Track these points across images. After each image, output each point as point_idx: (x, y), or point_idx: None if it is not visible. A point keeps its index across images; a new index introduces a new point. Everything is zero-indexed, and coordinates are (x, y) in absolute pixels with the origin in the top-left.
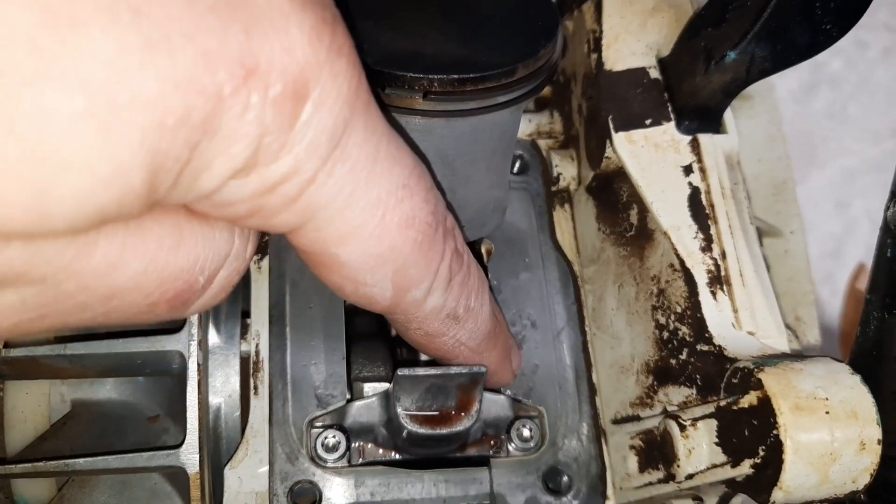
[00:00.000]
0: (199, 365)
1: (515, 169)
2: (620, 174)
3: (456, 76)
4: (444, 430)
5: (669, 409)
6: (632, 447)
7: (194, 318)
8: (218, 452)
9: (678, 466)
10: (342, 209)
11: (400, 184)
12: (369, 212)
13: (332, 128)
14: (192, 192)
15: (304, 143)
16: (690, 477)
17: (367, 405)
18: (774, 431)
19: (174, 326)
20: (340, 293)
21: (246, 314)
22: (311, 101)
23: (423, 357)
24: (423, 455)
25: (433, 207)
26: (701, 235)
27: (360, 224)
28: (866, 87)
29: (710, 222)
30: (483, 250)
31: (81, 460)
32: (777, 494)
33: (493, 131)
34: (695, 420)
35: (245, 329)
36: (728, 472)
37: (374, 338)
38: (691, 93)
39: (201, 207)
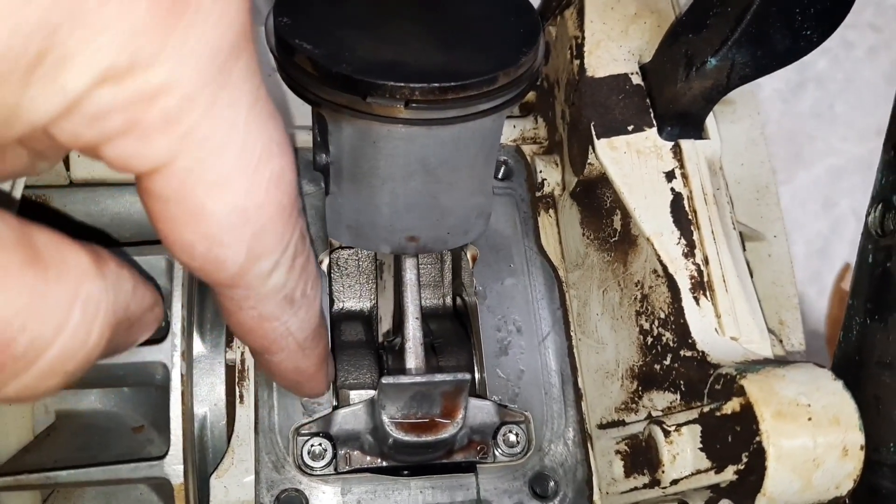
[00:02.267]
0: (182, 375)
1: (500, 175)
2: (604, 180)
3: (437, 85)
4: (430, 438)
5: (654, 414)
6: (617, 452)
7: (177, 328)
8: (204, 461)
9: (663, 472)
10: (220, 149)
11: (275, 139)
12: (244, 159)
13: (215, 44)
14: (57, 92)
15: (184, 50)
16: (675, 482)
17: (353, 413)
18: (757, 438)
19: (157, 337)
20: (186, 255)
21: None
22: (193, 8)
23: (409, 365)
24: (409, 462)
25: (295, 177)
26: (684, 241)
27: (234, 170)
28: (852, 86)
29: (692, 228)
30: (468, 256)
31: (65, 472)
32: (761, 500)
33: (476, 138)
34: (679, 426)
35: (230, 337)
36: (712, 478)
37: (359, 345)
38: (673, 99)
39: (70, 127)
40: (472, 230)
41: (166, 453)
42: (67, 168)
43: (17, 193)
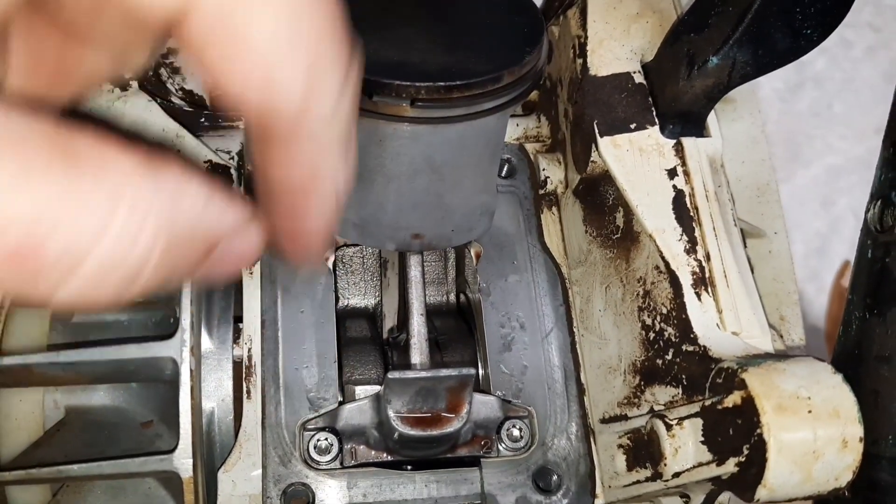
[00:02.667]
0: (191, 371)
1: (503, 173)
2: (606, 177)
3: (443, 83)
4: (435, 432)
5: (656, 408)
6: (620, 446)
7: (187, 324)
8: (211, 456)
9: (665, 465)
10: None
11: None
12: None
13: None
14: None
15: None
16: (677, 475)
17: (358, 408)
18: (758, 430)
19: (167, 333)
20: (242, 96)
21: (238, 319)
22: None
23: (414, 361)
24: (414, 456)
25: None
26: (686, 237)
27: None
28: (851, 85)
29: (694, 224)
30: (472, 253)
31: (75, 466)
32: (761, 492)
33: (481, 137)
34: (681, 419)
35: (237, 334)
36: (714, 471)
37: (365, 342)
38: (675, 97)
39: None
40: (477, 228)
41: (175, 447)
42: None
43: None
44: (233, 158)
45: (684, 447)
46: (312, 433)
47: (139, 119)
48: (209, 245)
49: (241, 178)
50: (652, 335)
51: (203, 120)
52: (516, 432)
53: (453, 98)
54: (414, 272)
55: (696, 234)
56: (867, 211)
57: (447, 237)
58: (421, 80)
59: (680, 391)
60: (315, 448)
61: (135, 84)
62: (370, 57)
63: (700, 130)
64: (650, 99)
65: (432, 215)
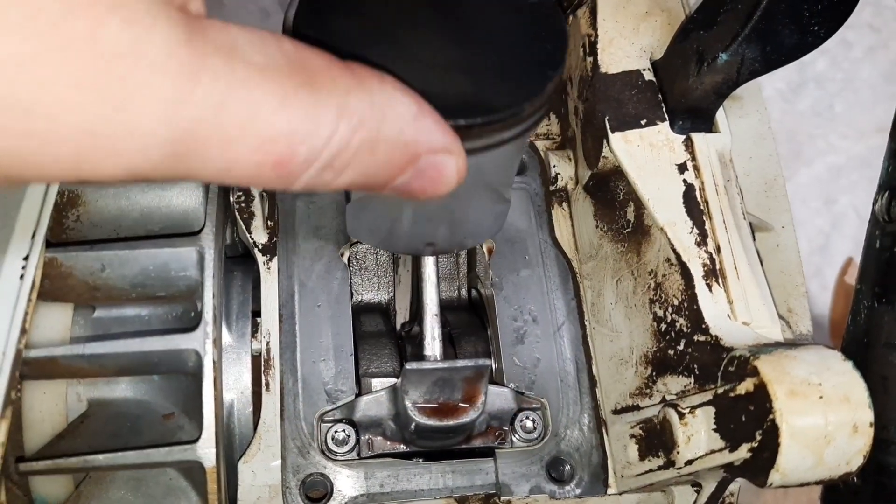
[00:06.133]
0: (214, 362)
1: None
2: (617, 173)
3: (463, 122)
4: (451, 422)
5: (668, 398)
6: (632, 436)
7: (209, 317)
8: (231, 448)
9: (678, 453)
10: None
11: None
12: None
13: None
14: None
15: None
16: (690, 463)
17: (375, 399)
18: (770, 416)
19: (188, 326)
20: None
21: (256, 313)
22: None
23: (428, 352)
24: (430, 447)
25: None
26: (696, 230)
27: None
28: (851, 85)
29: (704, 218)
30: (485, 249)
31: (101, 456)
32: (774, 476)
33: (498, 161)
34: (693, 408)
35: (256, 328)
36: (726, 457)
37: (380, 335)
38: (684, 94)
39: None
40: (490, 231)
41: (199, 437)
42: None
43: (54, 190)
44: None
45: (697, 435)
46: (330, 425)
47: None
48: (410, 155)
49: None
50: (664, 326)
51: None
52: (530, 423)
53: (472, 134)
54: (429, 271)
55: (707, 226)
56: (874, 202)
57: (459, 243)
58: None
59: (692, 380)
60: (333, 439)
61: None
62: None
63: (709, 126)
64: (660, 95)
65: (447, 228)
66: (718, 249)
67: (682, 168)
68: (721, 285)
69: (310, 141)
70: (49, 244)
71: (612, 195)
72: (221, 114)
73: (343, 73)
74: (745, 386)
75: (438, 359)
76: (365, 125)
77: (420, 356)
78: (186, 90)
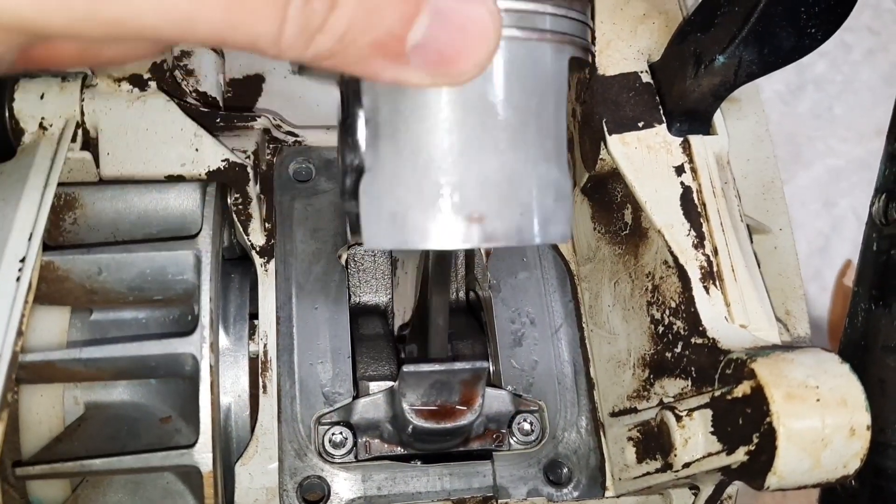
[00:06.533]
0: (211, 367)
1: None
2: (615, 175)
3: None
4: (449, 425)
5: (666, 400)
6: (630, 439)
7: (206, 321)
8: (228, 451)
9: (675, 456)
10: None
11: None
12: None
13: None
14: None
15: None
16: (687, 465)
17: (373, 402)
18: (768, 419)
19: (185, 330)
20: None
21: (253, 316)
22: None
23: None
24: (427, 450)
25: None
26: (693, 233)
27: None
28: (851, 87)
29: (702, 220)
30: (482, 251)
31: (98, 461)
32: (771, 479)
33: (537, 69)
34: (690, 410)
35: (253, 330)
36: (723, 460)
37: (377, 338)
38: (682, 96)
39: None
40: (553, 219)
41: (196, 442)
42: (97, 165)
43: (51, 192)
44: (249, 157)
45: (694, 437)
46: (327, 427)
47: (158, 118)
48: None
49: (257, 177)
50: (661, 329)
51: (218, 120)
52: (527, 426)
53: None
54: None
55: (704, 229)
56: (872, 205)
57: (516, 225)
58: None
59: (689, 383)
60: (330, 442)
61: (153, 84)
62: None
63: (707, 128)
64: (657, 98)
65: (492, 181)
66: (716, 252)
67: (679, 170)
68: (718, 288)
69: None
70: (46, 247)
71: (609, 197)
72: None
73: None
74: (743, 389)
75: (439, 356)
76: None
77: (418, 358)
78: None
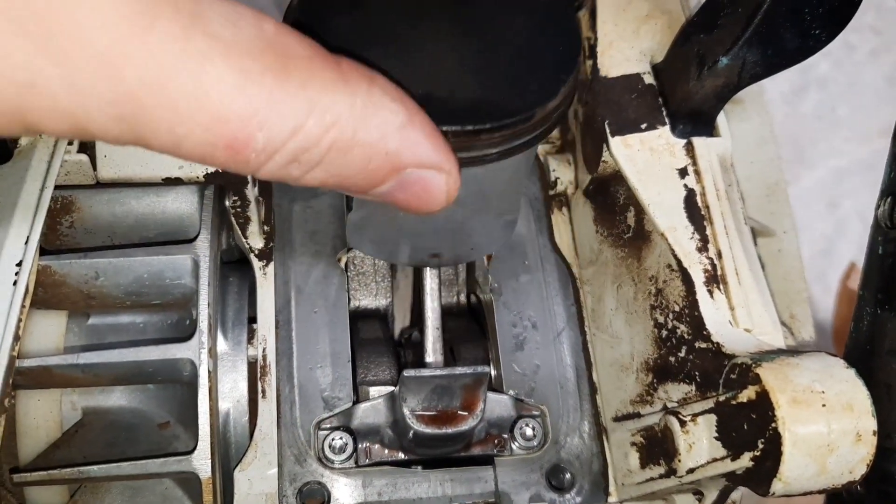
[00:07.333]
0: (209, 372)
1: None
2: (617, 177)
3: (471, 128)
4: (450, 430)
5: (669, 405)
6: (633, 444)
7: (204, 326)
8: (227, 456)
9: (679, 461)
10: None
11: None
12: None
13: None
14: None
15: None
16: (691, 471)
17: (373, 407)
18: (773, 424)
19: (184, 335)
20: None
21: (252, 320)
22: None
23: (428, 360)
24: (428, 455)
25: None
26: (697, 236)
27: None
28: (854, 88)
29: (705, 223)
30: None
31: (96, 467)
32: (777, 485)
33: (507, 171)
34: (695, 415)
35: (252, 334)
36: (728, 466)
37: (377, 342)
38: (685, 97)
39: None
40: (497, 242)
41: (194, 448)
42: (94, 168)
43: (48, 195)
44: None
45: (698, 443)
46: (327, 432)
47: None
48: (392, 165)
49: (255, 179)
50: (664, 333)
51: None
52: (529, 431)
53: (481, 141)
54: (431, 284)
55: (708, 232)
56: (877, 207)
57: (466, 255)
58: (447, 121)
59: (693, 388)
60: (330, 447)
61: None
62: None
63: (710, 130)
64: (660, 99)
65: (452, 239)
66: (720, 255)
67: (682, 173)
68: (722, 291)
69: (269, 129)
70: (43, 251)
71: (612, 200)
72: (169, 82)
73: (326, 68)
74: (747, 394)
75: (439, 362)
76: (339, 125)
77: (419, 363)
78: (129, 49)
